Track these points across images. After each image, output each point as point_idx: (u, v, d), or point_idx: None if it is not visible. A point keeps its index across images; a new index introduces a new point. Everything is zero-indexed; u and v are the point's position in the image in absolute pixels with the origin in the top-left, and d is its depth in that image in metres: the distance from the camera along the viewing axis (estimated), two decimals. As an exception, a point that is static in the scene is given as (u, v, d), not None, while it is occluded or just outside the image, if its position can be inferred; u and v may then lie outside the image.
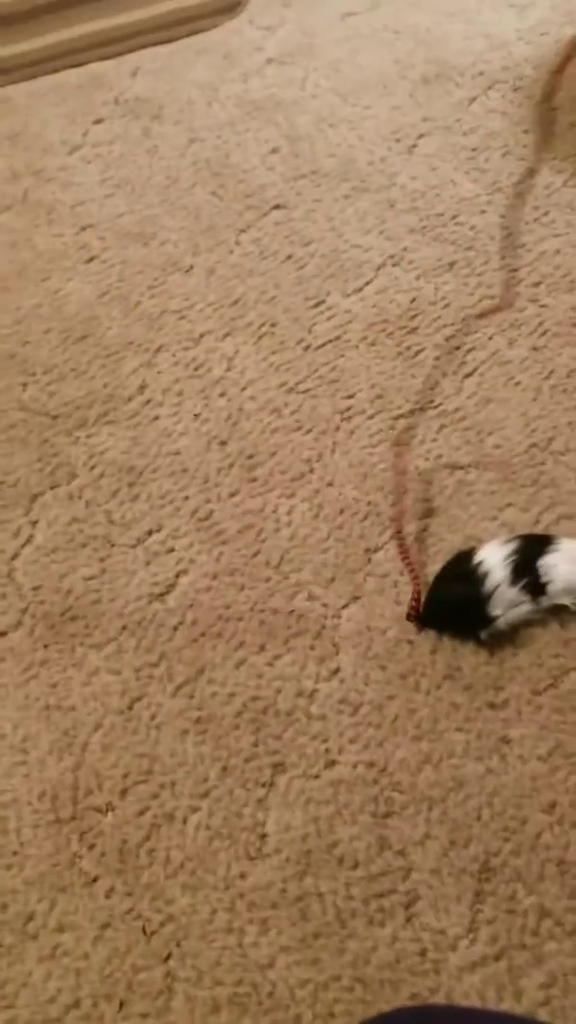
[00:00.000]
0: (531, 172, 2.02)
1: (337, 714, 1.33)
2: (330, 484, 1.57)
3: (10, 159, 2.19)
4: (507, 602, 1.33)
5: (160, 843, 1.25)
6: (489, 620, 1.34)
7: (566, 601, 1.34)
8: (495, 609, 1.33)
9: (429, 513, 1.52)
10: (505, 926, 1.15)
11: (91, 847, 1.25)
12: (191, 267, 1.93)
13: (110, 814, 1.27)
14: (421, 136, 2.12)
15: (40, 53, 2.45)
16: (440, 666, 1.35)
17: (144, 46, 2.45)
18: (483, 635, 1.36)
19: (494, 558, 1.36)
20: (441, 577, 1.40)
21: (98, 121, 2.25)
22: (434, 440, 1.60)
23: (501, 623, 1.34)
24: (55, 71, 2.40)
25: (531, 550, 1.36)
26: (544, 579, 1.33)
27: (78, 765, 1.32)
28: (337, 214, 1.99)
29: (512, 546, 1.36)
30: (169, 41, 2.46)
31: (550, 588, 1.33)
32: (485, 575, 1.34)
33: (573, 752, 1.26)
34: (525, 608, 1.34)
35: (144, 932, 1.19)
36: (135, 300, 1.89)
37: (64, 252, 1.99)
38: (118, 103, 2.29)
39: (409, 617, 1.39)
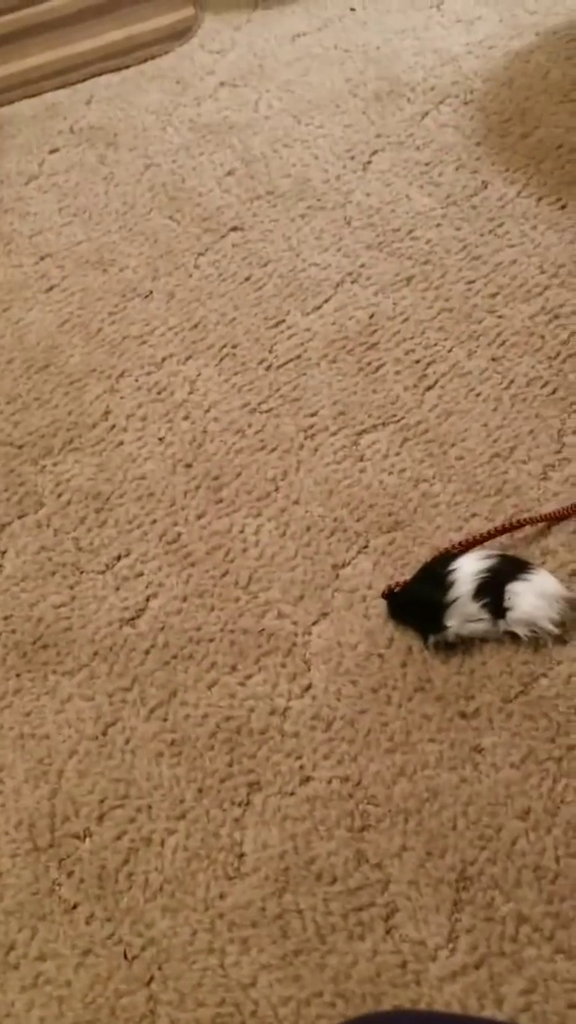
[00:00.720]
0: (484, 184, 2.04)
1: (310, 730, 1.34)
2: (296, 502, 1.58)
3: (-33, 191, 2.20)
4: (464, 615, 1.34)
5: (138, 867, 1.25)
6: (441, 627, 1.35)
7: (521, 631, 1.35)
8: (450, 619, 1.34)
9: (395, 526, 1.53)
10: (484, 934, 1.16)
11: (70, 874, 1.25)
12: (151, 292, 1.95)
13: (88, 840, 1.27)
14: (375, 152, 2.15)
15: (-6, 84, 2.46)
16: (411, 678, 1.36)
17: (97, 74, 2.47)
18: (431, 640, 1.37)
19: (466, 570, 1.37)
20: (418, 573, 1.41)
21: (54, 150, 2.26)
22: (397, 454, 1.62)
23: (452, 633, 1.35)
24: (10, 102, 2.41)
25: (504, 572, 1.36)
26: (507, 604, 1.34)
27: (54, 793, 1.32)
28: (294, 233, 2.01)
29: (487, 563, 1.37)
30: (122, 68, 2.49)
31: (509, 614, 1.34)
32: (451, 584, 1.35)
33: (545, 758, 1.27)
34: (480, 626, 1.35)
35: (125, 957, 1.19)
36: (96, 327, 1.90)
37: (24, 282, 2.00)
38: (73, 132, 2.30)
39: (383, 594, 1.41)
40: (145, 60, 2.50)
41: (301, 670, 1.40)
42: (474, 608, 1.34)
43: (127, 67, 2.49)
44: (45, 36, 2.54)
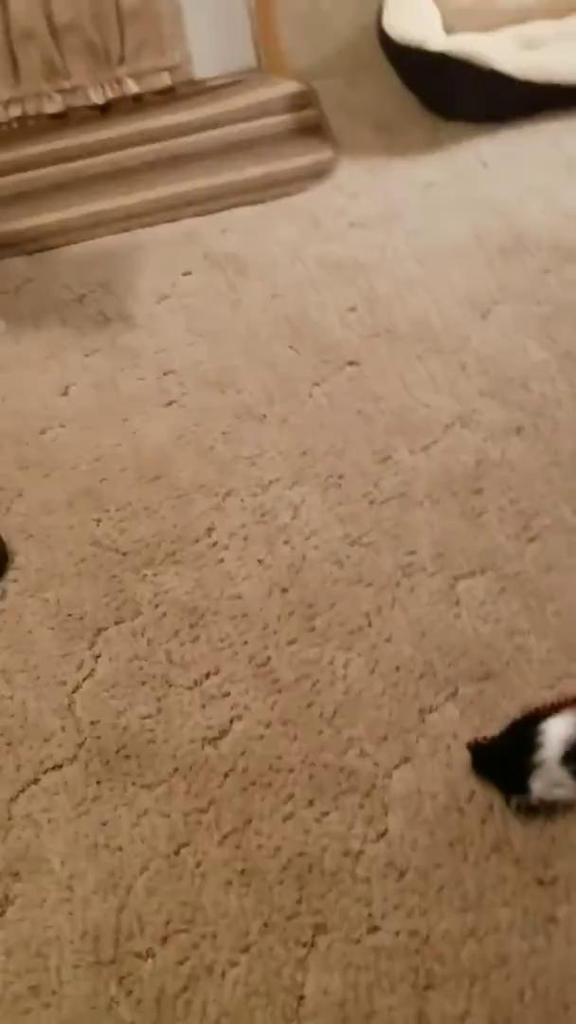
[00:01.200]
0: (601, 344, 2.07)
1: (382, 878, 1.32)
2: (388, 640, 1.59)
3: (102, 305, 2.30)
4: (549, 779, 1.32)
5: (197, 995, 1.23)
6: (525, 788, 1.33)
7: None
8: (535, 781, 1.32)
9: (486, 677, 1.52)
10: None
11: (129, 993, 1.24)
12: (264, 416, 2.00)
13: (150, 960, 1.27)
14: (495, 303, 2.20)
15: (140, 207, 2.59)
16: (489, 837, 1.34)
17: (235, 206, 2.58)
18: (513, 800, 1.34)
19: (555, 733, 1.35)
20: (506, 729, 1.40)
21: (186, 273, 2.36)
22: (494, 603, 1.62)
23: (535, 796, 1.33)
24: (151, 225, 2.53)
25: None
26: None
27: (122, 907, 1.32)
28: (409, 373, 2.06)
29: None
30: (259, 202, 2.60)
31: None
32: (539, 745, 1.34)
33: (622, 936, 1.24)
34: (566, 792, 1.33)
35: None
36: (209, 445, 1.95)
37: (145, 395, 2.07)
38: (206, 258, 2.41)
39: (468, 746, 1.40)
40: (281, 196, 2.61)
41: (378, 814, 1.38)
42: (561, 773, 1.32)
43: (263, 201, 2.60)
44: (189, 167, 2.67)
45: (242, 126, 2.78)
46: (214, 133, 2.78)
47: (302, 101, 2.84)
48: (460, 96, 2.75)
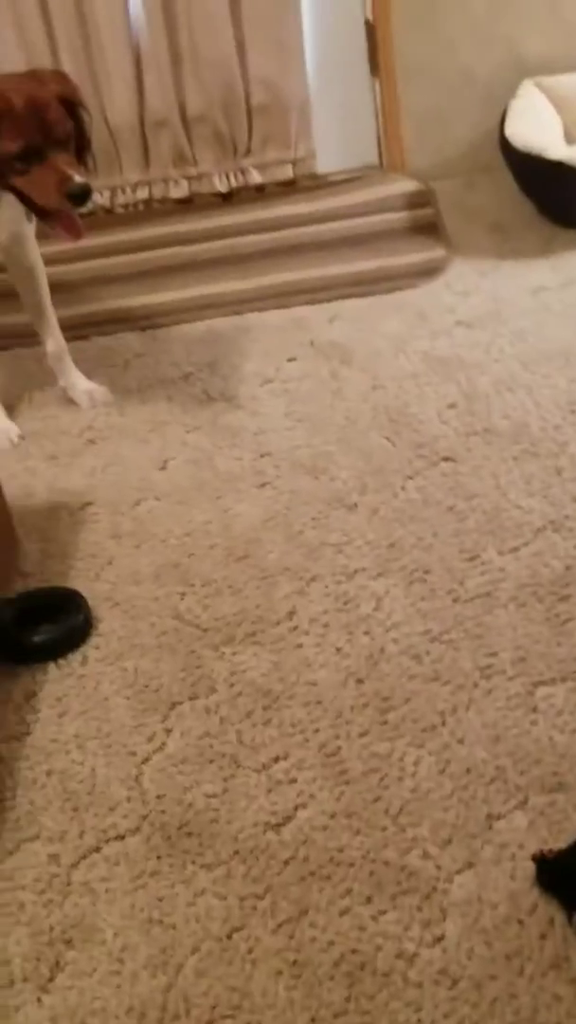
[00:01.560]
0: None
1: (435, 984, 1.29)
2: (460, 741, 1.57)
3: (206, 385, 2.36)
4: None
5: None
6: None
7: None
8: None
9: (558, 788, 1.50)
10: None
11: (168, 1077, 1.23)
12: (355, 505, 2.02)
13: (192, 1046, 1.25)
14: (598, 412, 2.20)
15: (253, 293, 2.67)
16: (548, 953, 1.31)
17: (344, 297, 2.65)
18: (575, 917, 1.31)
19: None
20: (574, 844, 1.37)
21: (292, 359, 2.42)
22: (572, 712, 1.60)
23: None
24: (261, 311, 2.60)
25: None
26: None
27: (170, 986, 1.31)
28: (504, 473, 2.06)
29: None
30: (370, 295, 2.66)
31: None
32: None
33: None
34: None
35: None
36: (298, 528, 1.97)
37: (240, 475, 2.11)
38: (312, 345, 2.46)
39: (533, 857, 1.37)
40: (391, 291, 2.66)
41: (436, 918, 1.36)
42: None
43: (373, 294, 2.66)
44: (304, 256, 2.75)
45: (359, 220, 2.86)
46: (331, 225, 2.86)
47: (420, 200, 2.91)
48: (577, 204, 2.79)
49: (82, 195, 1.99)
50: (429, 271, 2.71)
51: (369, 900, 1.38)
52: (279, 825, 1.48)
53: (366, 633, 1.76)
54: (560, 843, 1.41)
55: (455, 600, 1.81)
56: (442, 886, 1.39)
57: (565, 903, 1.33)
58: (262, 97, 2.94)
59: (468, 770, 1.53)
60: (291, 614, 1.81)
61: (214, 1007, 1.29)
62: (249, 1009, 1.28)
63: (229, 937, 1.36)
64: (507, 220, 2.90)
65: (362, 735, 1.60)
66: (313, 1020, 1.27)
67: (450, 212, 2.91)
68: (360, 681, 1.68)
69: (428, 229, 2.84)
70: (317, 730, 1.61)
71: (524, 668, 1.67)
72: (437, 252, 2.76)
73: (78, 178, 1.99)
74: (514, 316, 2.52)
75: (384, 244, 2.78)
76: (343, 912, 1.37)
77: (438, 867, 1.41)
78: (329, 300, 2.64)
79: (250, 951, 1.34)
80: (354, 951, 1.33)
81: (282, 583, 1.87)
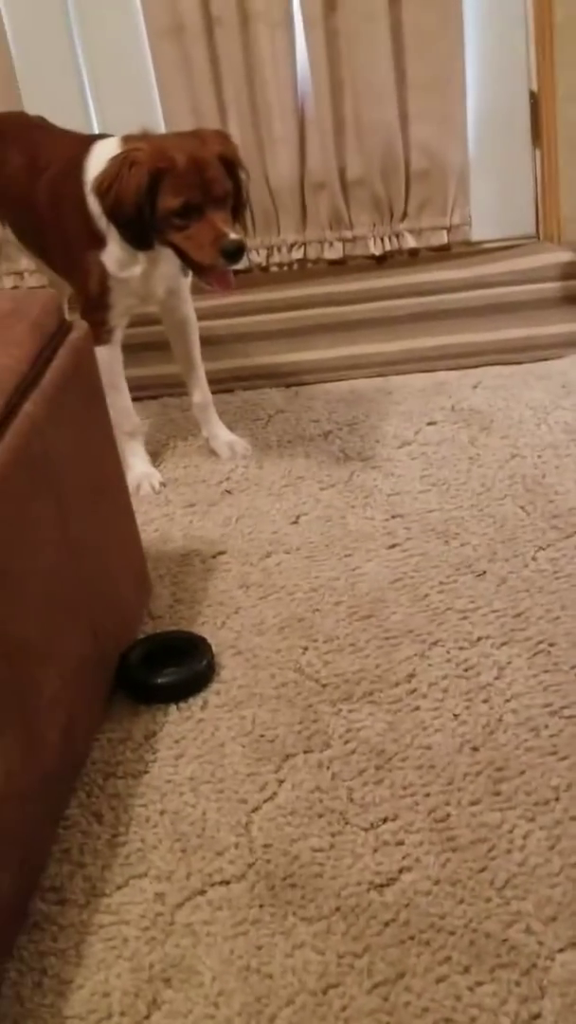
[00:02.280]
0: None
1: (529, 1065, 1.27)
2: (573, 818, 1.55)
3: (344, 443, 2.41)
4: None
5: None
6: None
7: None
8: None
9: None
10: None
11: None
12: (484, 572, 2.02)
13: None
14: None
15: (398, 355, 2.71)
16: None
17: (489, 364, 2.66)
18: None
19: None
20: None
21: (431, 423, 2.44)
22: None
23: None
24: (405, 373, 2.64)
25: None
26: None
27: (260, 1037, 1.32)
28: None
29: None
30: (515, 363, 2.66)
31: None
32: None
33: None
34: None
35: None
36: (424, 592, 1.99)
37: (371, 534, 2.14)
38: (453, 410, 2.48)
39: None
40: (537, 360, 2.66)
41: (535, 995, 1.34)
42: None
43: (519, 363, 2.66)
44: (452, 321, 2.78)
45: (511, 289, 2.88)
46: (483, 292, 2.88)
47: (572, 271, 2.90)
48: None
49: (236, 252, 2.06)
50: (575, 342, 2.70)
51: (467, 970, 1.37)
52: (383, 886, 1.48)
53: (485, 701, 1.75)
54: None
55: (580, 674, 1.79)
56: (543, 963, 1.37)
57: None
58: (421, 163, 2.99)
59: (579, 849, 1.51)
60: (410, 676, 1.82)
61: (303, 1061, 1.29)
62: (338, 1068, 1.29)
63: (324, 992, 1.36)
64: None
65: (473, 803, 1.59)
66: None
67: (602, 283, 2.90)
68: (475, 749, 1.67)
69: (580, 301, 2.84)
70: (428, 794, 1.61)
71: None
72: (587, 323, 2.75)
73: (233, 235, 2.06)
74: None
75: (534, 313, 2.79)
76: (440, 979, 1.36)
77: (540, 943, 1.39)
78: (473, 366, 2.65)
79: (344, 1008, 1.34)
80: (448, 1020, 1.32)
81: (404, 645, 1.88)
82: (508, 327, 2.75)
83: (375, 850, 1.53)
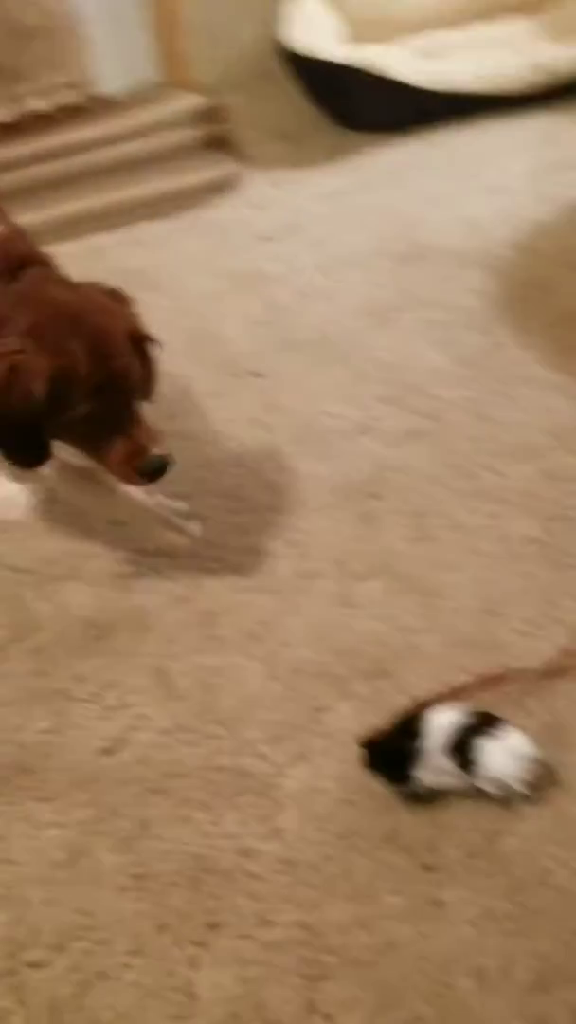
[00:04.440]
0: (499, 347, 2.12)
1: (275, 874, 1.35)
2: (285, 644, 1.62)
3: None
4: (433, 768, 1.36)
5: (91, 1001, 1.26)
6: (409, 778, 1.37)
7: (489, 788, 1.36)
8: (420, 770, 1.36)
9: (380, 674, 1.56)
10: None
11: (22, 1003, 1.26)
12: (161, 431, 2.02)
13: (44, 970, 1.28)
14: (396, 310, 2.25)
15: (46, 224, 2.61)
16: (379, 828, 1.38)
17: (142, 220, 2.62)
18: (401, 790, 1.38)
19: (438, 723, 1.39)
20: (395, 723, 1.43)
21: (92, 290, 2.38)
22: (389, 603, 1.66)
23: (421, 784, 1.37)
24: (59, 241, 2.55)
25: (476, 728, 1.38)
26: (476, 760, 1.35)
27: (17, 919, 1.33)
28: (312, 382, 2.10)
29: (460, 718, 1.38)
30: (167, 217, 2.64)
31: (478, 771, 1.35)
32: (423, 735, 1.38)
33: (503, 916, 1.27)
34: (449, 780, 1.37)
35: None
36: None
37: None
38: (114, 273, 2.43)
39: (360, 742, 1.43)
40: (189, 210, 2.64)
41: (273, 812, 1.42)
42: (443, 762, 1.36)
43: (171, 216, 2.64)
44: (95, 182, 2.70)
45: (148, 141, 2.82)
46: (121, 148, 2.80)
47: (207, 114, 2.88)
48: (361, 107, 2.81)
49: (159, 471, 1.56)
50: (224, 187, 2.70)
51: (208, 806, 1.43)
52: (114, 750, 1.51)
53: (193, 556, 1.78)
54: (385, 724, 1.48)
55: (270, 511, 1.84)
56: (276, 782, 1.45)
57: (390, 778, 1.40)
58: (33, 20, 2.83)
59: (294, 670, 1.59)
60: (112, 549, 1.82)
61: (64, 931, 1.32)
62: (98, 927, 1.32)
63: (72, 863, 1.39)
64: (296, 128, 2.91)
65: (190, 653, 1.63)
66: (161, 927, 1.31)
67: (239, 125, 2.89)
68: (187, 600, 1.71)
69: (219, 144, 2.82)
70: (147, 654, 1.64)
71: (342, 567, 1.73)
72: (230, 167, 2.75)
73: (155, 452, 1.54)
74: (311, 225, 2.54)
75: (176, 163, 2.75)
76: (184, 821, 1.42)
77: (271, 764, 1.47)
78: (126, 225, 2.60)
79: (96, 871, 1.38)
80: (196, 856, 1.38)
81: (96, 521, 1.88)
82: (153, 180, 2.70)
83: (102, 718, 1.55)
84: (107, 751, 1.51)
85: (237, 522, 1.82)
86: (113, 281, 2.37)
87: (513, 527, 1.76)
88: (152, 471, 1.55)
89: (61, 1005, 1.26)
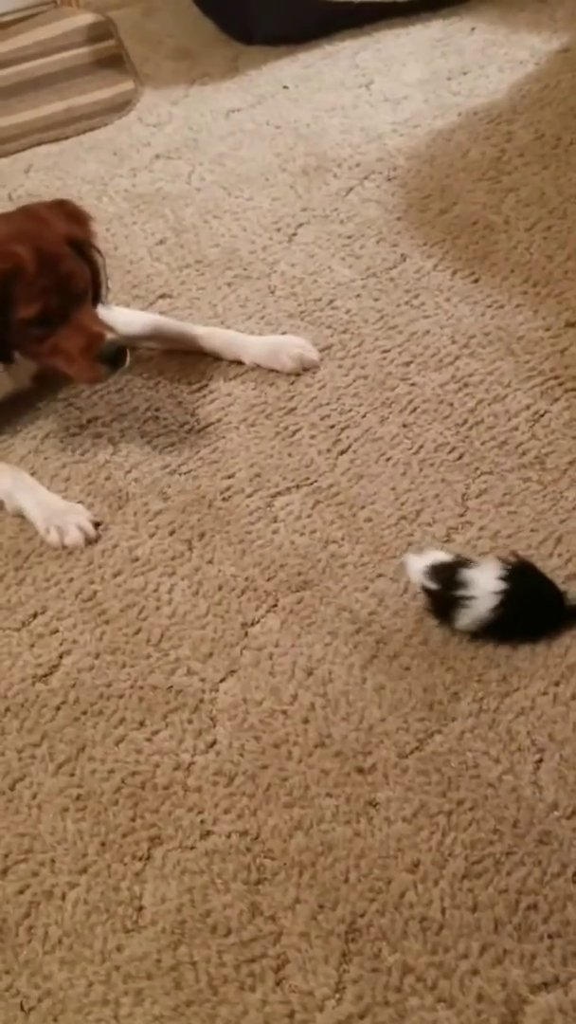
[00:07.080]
0: (403, 257, 2.13)
1: (213, 785, 1.38)
2: (210, 562, 1.63)
3: None
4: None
5: (39, 920, 1.28)
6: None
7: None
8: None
9: (304, 586, 1.59)
10: (370, 984, 1.19)
11: (-31, 928, 1.28)
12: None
13: (-10, 894, 1.30)
14: (300, 225, 2.23)
15: None
16: (312, 734, 1.41)
17: (37, 144, 2.55)
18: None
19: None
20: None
21: (-11, 218, 2.32)
22: (309, 516, 1.68)
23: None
24: (-52, 170, 2.48)
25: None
26: None
27: (-41, 848, 1.35)
28: (220, 301, 2.08)
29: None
30: (61, 139, 2.57)
31: None
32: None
33: (436, 812, 1.32)
34: None
35: (22, 1008, 1.21)
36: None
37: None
38: (11, 200, 2.37)
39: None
40: (84, 131, 2.58)
41: (207, 726, 1.44)
42: None
43: (66, 138, 2.57)
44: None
45: (39, 61, 2.75)
46: (12, 70, 2.73)
47: (99, 32, 2.81)
48: (256, 19, 2.76)
49: (117, 356, 1.71)
50: (119, 106, 2.64)
51: (142, 724, 1.45)
52: (46, 675, 1.52)
53: (107, 479, 1.78)
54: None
55: (189, 431, 1.84)
56: (208, 696, 1.47)
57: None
58: None
59: (220, 587, 1.60)
60: (31, 473, 1.80)
61: (6, 855, 1.33)
62: (40, 849, 1.34)
63: (12, 788, 1.40)
64: (191, 44, 2.84)
65: (115, 575, 1.64)
66: (103, 844, 1.34)
67: (132, 42, 2.81)
68: (107, 528, 1.71)
69: (112, 62, 2.75)
70: (71, 579, 1.64)
71: (261, 483, 1.74)
72: (124, 85, 2.68)
73: (109, 335, 1.71)
74: (210, 142, 2.50)
75: (69, 83, 2.67)
76: (119, 741, 1.43)
77: (202, 680, 1.49)
78: (20, 150, 2.52)
79: (34, 796, 1.39)
80: (134, 773, 1.40)
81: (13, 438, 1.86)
82: (45, 102, 2.63)
83: (31, 645, 1.56)
84: (40, 678, 1.51)
85: (156, 443, 1.81)
86: (11, 206, 2.33)
87: (427, 435, 1.79)
88: (112, 356, 1.70)
89: (9, 926, 1.27)
